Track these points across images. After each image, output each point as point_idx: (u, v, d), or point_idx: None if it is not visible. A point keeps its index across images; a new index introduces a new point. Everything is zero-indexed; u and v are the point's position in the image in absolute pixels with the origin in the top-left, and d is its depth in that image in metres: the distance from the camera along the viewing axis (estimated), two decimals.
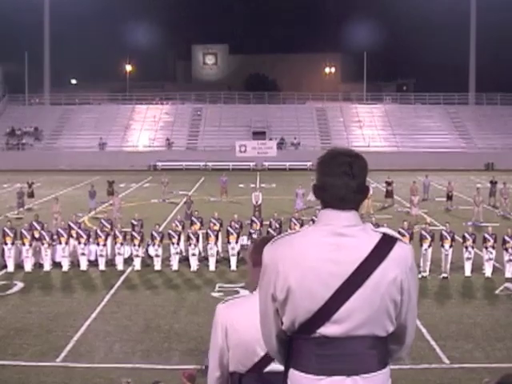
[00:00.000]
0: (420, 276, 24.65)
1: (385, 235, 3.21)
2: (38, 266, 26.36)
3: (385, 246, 3.17)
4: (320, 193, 3.28)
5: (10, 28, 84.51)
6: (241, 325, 4.06)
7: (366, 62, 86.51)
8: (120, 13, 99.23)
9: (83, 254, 26.24)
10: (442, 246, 25.39)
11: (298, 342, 3.24)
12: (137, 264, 26.24)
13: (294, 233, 3.30)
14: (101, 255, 26.35)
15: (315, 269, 3.13)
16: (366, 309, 3.13)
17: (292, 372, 3.27)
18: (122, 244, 26.40)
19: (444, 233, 25.71)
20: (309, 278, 3.13)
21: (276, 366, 4.09)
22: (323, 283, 3.12)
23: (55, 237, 26.73)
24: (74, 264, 26.49)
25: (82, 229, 26.76)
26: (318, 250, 3.15)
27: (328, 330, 3.14)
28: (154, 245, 26.29)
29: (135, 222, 26.94)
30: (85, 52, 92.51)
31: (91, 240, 26.87)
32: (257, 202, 36.19)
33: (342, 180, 3.21)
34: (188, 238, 26.52)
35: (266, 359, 4.07)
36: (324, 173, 3.26)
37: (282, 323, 3.28)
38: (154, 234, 26.35)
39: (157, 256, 25.98)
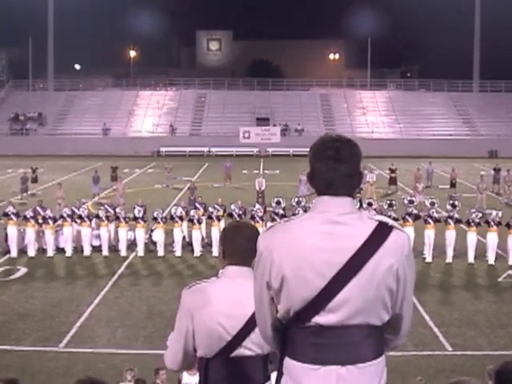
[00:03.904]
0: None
1: (381, 223, 3.18)
2: (42, 251, 26.42)
3: (380, 233, 3.14)
4: (311, 179, 3.27)
5: (14, 14, 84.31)
6: (207, 310, 4.07)
7: (370, 49, 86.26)
8: None
9: (86, 239, 26.30)
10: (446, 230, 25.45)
11: (293, 330, 3.23)
12: (140, 250, 26.27)
13: (289, 220, 3.28)
14: (104, 241, 26.40)
15: (310, 258, 3.10)
16: (361, 297, 3.11)
17: (287, 361, 3.26)
18: (125, 229, 26.44)
19: (448, 219, 25.72)
20: (303, 267, 3.11)
21: (242, 351, 4.11)
22: (318, 272, 3.10)
23: (59, 222, 26.80)
24: (78, 249, 26.56)
25: (86, 214, 26.76)
26: (313, 239, 3.12)
27: (323, 318, 3.12)
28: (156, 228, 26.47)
29: (139, 208, 26.92)
30: (89, 37, 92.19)
31: (94, 225, 26.92)
32: (260, 188, 36.17)
33: (327, 164, 3.18)
34: (191, 224, 26.56)
35: (233, 344, 4.08)
36: (313, 158, 3.25)
37: (277, 311, 3.26)
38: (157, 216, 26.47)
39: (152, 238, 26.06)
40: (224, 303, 4.07)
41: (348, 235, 3.12)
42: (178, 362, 4.30)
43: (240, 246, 4.17)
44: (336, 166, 3.18)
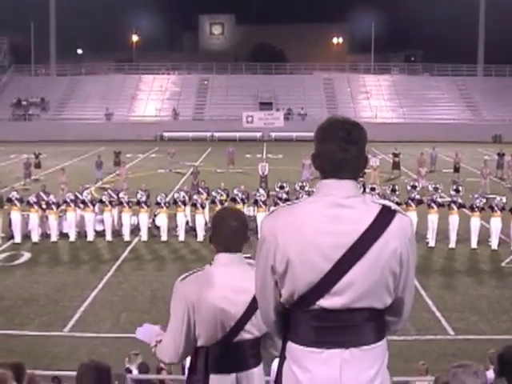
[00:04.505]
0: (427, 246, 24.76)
1: (384, 207, 3.20)
2: (45, 236, 26.47)
3: (384, 217, 3.17)
4: (318, 160, 3.26)
5: None
6: (208, 298, 4.07)
7: (373, 33, 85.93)
8: None
9: (90, 224, 26.34)
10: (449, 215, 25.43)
11: (296, 314, 3.25)
12: (143, 234, 26.32)
13: (292, 204, 3.28)
14: (107, 226, 26.44)
15: (315, 241, 3.12)
16: (365, 281, 3.13)
17: (290, 345, 3.28)
18: (128, 214, 26.48)
19: (451, 204, 25.69)
20: (308, 250, 3.12)
21: (243, 336, 4.14)
22: (323, 255, 3.11)
23: (62, 207, 26.83)
24: (81, 234, 26.60)
25: (89, 199, 26.80)
26: (318, 222, 3.14)
27: (327, 302, 3.14)
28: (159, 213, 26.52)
29: (142, 193, 26.93)
30: (91, 22, 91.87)
31: (98, 210, 26.95)
32: (263, 173, 36.14)
33: (339, 145, 3.19)
34: (195, 209, 26.58)
35: (236, 330, 4.11)
36: (322, 139, 3.25)
37: (281, 295, 3.27)
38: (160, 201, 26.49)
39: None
40: (224, 290, 4.09)
41: (353, 218, 3.14)
42: (179, 354, 4.29)
43: (226, 238, 4.22)
44: (347, 147, 3.20)
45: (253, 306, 3.92)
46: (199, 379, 4.24)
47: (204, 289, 4.09)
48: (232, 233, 4.21)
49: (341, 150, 3.19)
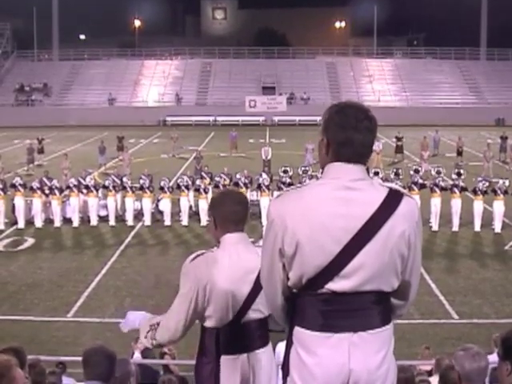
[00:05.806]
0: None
1: (391, 190, 3.21)
2: (49, 221, 26.49)
3: (392, 200, 3.18)
4: (343, 149, 3.23)
5: None
6: (219, 281, 4.09)
7: (376, 16, 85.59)
8: None
9: (93, 209, 26.34)
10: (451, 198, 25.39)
11: (303, 298, 3.24)
12: (147, 219, 26.33)
13: (300, 187, 3.27)
14: (111, 211, 26.44)
15: (325, 223, 3.12)
16: (374, 263, 3.14)
17: (297, 330, 3.27)
18: (131, 199, 26.47)
19: (454, 187, 25.65)
20: (319, 233, 3.12)
21: (251, 315, 4.15)
22: (333, 238, 3.11)
23: (65, 192, 26.84)
24: (84, 220, 26.62)
25: (92, 184, 26.78)
26: (328, 205, 3.14)
27: (336, 285, 3.14)
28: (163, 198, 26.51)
29: (145, 178, 26.93)
30: (93, 7, 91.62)
31: (101, 195, 26.96)
32: (266, 157, 36.09)
33: (364, 135, 3.22)
34: (198, 193, 26.59)
35: (244, 309, 4.13)
36: (344, 127, 3.22)
37: (288, 279, 3.26)
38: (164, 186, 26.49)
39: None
40: (234, 271, 4.12)
41: (362, 201, 3.15)
42: (180, 333, 4.29)
43: (230, 210, 4.21)
44: (371, 136, 3.26)
45: (257, 285, 3.92)
46: (210, 361, 4.25)
47: (215, 270, 4.10)
48: (235, 204, 4.22)
49: (367, 139, 3.23)
